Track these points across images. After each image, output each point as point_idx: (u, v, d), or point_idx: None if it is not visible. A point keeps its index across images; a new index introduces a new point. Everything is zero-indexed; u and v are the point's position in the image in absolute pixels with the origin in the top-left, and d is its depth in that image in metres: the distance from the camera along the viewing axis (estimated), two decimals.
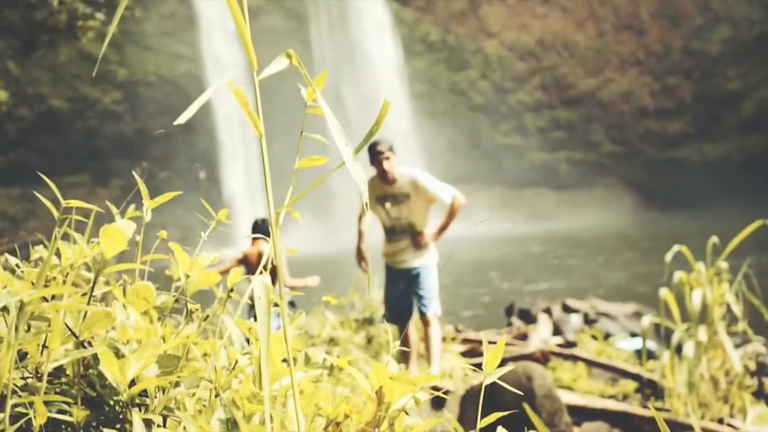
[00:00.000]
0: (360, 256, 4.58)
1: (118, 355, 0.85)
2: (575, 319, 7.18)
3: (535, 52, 31.41)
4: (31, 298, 0.75)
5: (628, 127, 31.04)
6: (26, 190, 24.65)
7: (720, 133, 29.67)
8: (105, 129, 26.34)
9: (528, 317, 7.77)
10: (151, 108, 26.98)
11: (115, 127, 26.44)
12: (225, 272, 4.26)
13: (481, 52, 31.28)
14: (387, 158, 4.34)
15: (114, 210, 1.23)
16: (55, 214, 1.19)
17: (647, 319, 4.94)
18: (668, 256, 4.86)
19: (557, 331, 7.01)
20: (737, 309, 4.64)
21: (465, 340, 6.20)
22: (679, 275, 4.72)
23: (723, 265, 4.63)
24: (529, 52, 31.43)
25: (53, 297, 0.96)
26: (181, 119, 0.77)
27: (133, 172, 1.17)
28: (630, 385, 5.38)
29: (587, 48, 31.25)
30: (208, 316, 1.13)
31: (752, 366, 4.81)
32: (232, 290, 1.09)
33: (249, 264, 5.46)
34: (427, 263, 4.48)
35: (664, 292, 4.59)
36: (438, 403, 4.30)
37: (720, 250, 4.69)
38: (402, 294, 4.51)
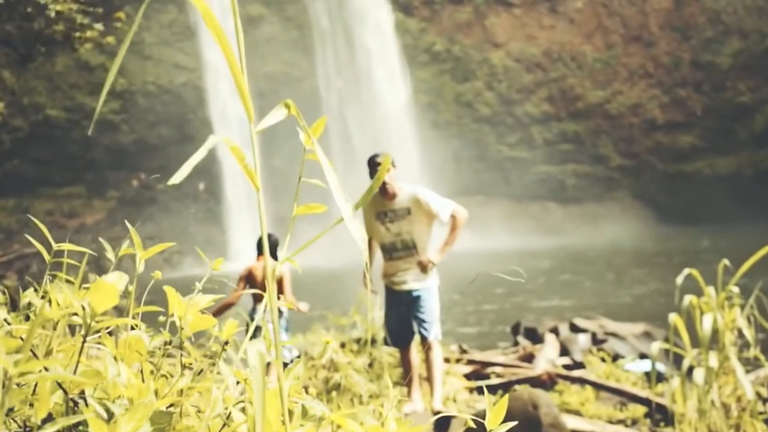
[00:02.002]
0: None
1: (109, 413, 0.84)
2: (583, 339, 7.06)
3: (542, 64, 31.31)
4: (16, 370, 0.74)
5: (637, 141, 30.80)
6: (21, 201, 24.40)
7: (731, 147, 29.38)
8: (102, 139, 25.97)
9: (534, 336, 7.65)
10: (150, 118, 26.77)
11: (113, 138, 26.05)
12: (233, 297, 4.21)
13: (487, 62, 31.19)
14: (387, 170, 4.32)
15: (109, 251, 1.24)
16: (47, 257, 1.20)
17: (656, 345, 4.83)
18: (679, 279, 4.75)
19: (564, 351, 6.90)
20: (749, 334, 4.53)
21: (470, 361, 6.10)
22: (688, 300, 4.62)
23: (734, 289, 4.53)
24: (536, 63, 31.34)
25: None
26: (176, 179, 0.76)
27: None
28: (639, 410, 5.25)
29: (595, 60, 31.13)
30: (202, 371, 1.13)
31: (764, 393, 4.70)
32: (227, 342, 1.10)
33: (254, 280, 5.45)
34: (428, 285, 4.39)
35: (673, 318, 4.49)
36: (441, 429, 4.21)
37: (732, 272, 4.59)
38: (402, 317, 4.43)
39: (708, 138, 29.90)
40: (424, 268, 4.31)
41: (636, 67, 30.99)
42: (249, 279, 5.53)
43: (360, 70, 28.50)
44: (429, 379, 4.44)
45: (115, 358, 0.94)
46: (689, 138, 30.28)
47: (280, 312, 5.66)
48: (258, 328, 5.44)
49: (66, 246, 1.15)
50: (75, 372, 0.87)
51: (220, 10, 25.04)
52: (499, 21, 31.35)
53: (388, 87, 28.24)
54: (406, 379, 4.52)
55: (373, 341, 5.03)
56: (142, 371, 1.04)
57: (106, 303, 0.88)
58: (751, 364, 5.22)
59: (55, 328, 0.96)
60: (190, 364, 1.09)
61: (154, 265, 1.17)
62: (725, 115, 29.64)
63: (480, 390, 5.34)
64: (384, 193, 4.33)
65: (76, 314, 1.00)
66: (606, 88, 31.00)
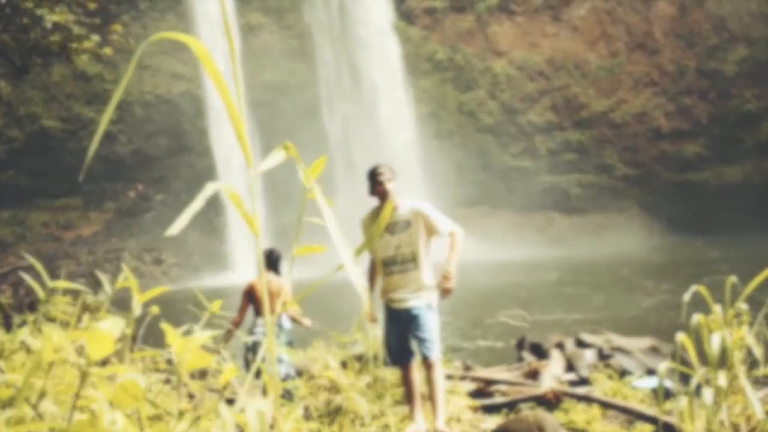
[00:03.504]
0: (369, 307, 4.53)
1: None
2: (589, 355, 6.97)
3: (545, 72, 31.24)
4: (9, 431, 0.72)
5: (642, 150, 30.62)
6: (16, 213, 24.18)
7: (737, 156, 29.15)
8: (99, 150, 25.38)
9: (540, 352, 7.57)
10: (148, 128, 26.56)
11: (110, 148, 25.75)
12: (237, 316, 4.18)
13: (490, 71, 31.11)
14: (388, 179, 4.30)
15: (105, 287, 1.28)
16: (40, 294, 1.22)
17: (664, 363, 4.74)
18: (686, 296, 4.66)
19: (570, 367, 6.80)
20: (759, 352, 4.44)
21: (474, 379, 6.00)
22: (696, 318, 4.53)
23: (743, 306, 4.44)
24: (539, 71, 31.26)
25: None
26: (174, 230, 0.73)
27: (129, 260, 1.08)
28: (647, 429, 5.15)
29: (599, 68, 31.04)
30: (199, 417, 1.10)
31: None
32: (225, 388, 1.15)
33: (255, 295, 5.42)
34: (427, 303, 4.35)
35: (681, 337, 4.40)
36: None
37: (741, 284, 4.50)
38: (402, 335, 4.38)
39: (714, 147, 29.70)
40: (446, 293, 4.31)
41: (640, 75, 30.87)
42: (251, 295, 5.50)
43: (366, 102, 28.19)
44: (431, 398, 4.37)
45: (110, 403, 0.95)
46: (695, 147, 30.08)
47: (283, 327, 5.57)
48: (256, 344, 5.37)
49: (60, 283, 1.24)
50: (71, 419, 0.85)
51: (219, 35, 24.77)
52: (501, 29, 31.34)
53: (395, 125, 27.82)
54: (407, 399, 4.44)
55: (375, 359, 4.96)
56: (139, 417, 1.02)
57: (102, 351, 0.87)
58: (760, 383, 5.12)
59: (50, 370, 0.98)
60: (187, 410, 1.07)
61: (153, 279, 1.14)
62: (731, 124, 29.44)
63: (485, 409, 5.24)
64: (384, 203, 4.35)
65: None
66: (610, 97, 30.88)
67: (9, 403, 0.83)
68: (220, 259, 24.30)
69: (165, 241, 24.08)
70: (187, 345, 1.05)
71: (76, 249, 23.94)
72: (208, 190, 0.67)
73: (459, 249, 4.33)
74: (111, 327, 0.94)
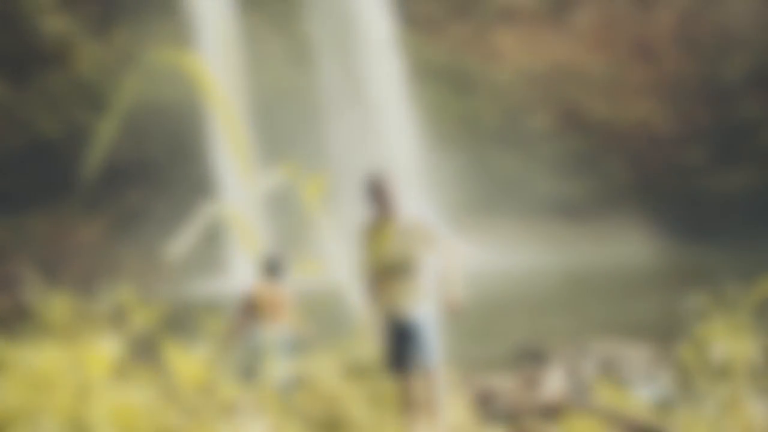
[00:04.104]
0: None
1: None
2: (590, 363, 6.95)
3: (547, 79, 31.31)
4: None
5: (645, 156, 30.60)
6: (15, 218, 24.06)
7: (740, 162, 29.12)
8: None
9: (541, 359, 7.54)
10: (148, 134, 26.59)
11: (110, 154, 25.75)
12: (239, 325, 4.17)
13: (491, 77, 31.20)
14: (390, 187, 4.36)
15: (103, 300, 1.28)
16: (39, 304, 1.23)
17: (666, 372, 4.72)
18: (688, 304, 4.65)
19: (571, 374, 6.78)
20: (762, 362, 4.42)
21: (474, 387, 5.98)
22: (698, 326, 4.51)
23: (745, 315, 4.42)
24: (541, 78, 31.34)
25: None
26: (175, 249, 0.72)
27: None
28: None
29: (601, 74, 31.14)
30: None
31: None
32: (224, 402, 1.15)
33: (255, 304, 5.40)
34: (425, 311, 4.34)
35: (683, 346, 4.38)
36: None
37: (744, 291, 4.47)
38: (401, 344, 4.36)
39: (717, 153, 29.66)
40: (453, 310, 4.31)
41: (642, 82, 30.92)
42: (251, 303, 5.48)
43: (366, 108, 28.17)
44: (430, 408, 4.34)
45: (110, 420, 0.94)
46: (698, 153, 30.05)
47: (283, 335, 5.55)
48: (255, 353, 5.35)
49: (59, 299, 1.25)
50: None
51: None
52: (502, 36, 31.43)
53: (395, 132, 27.84)
54: (406, 409, 4.42)
55: (375, 368, 4.94)
56: None
57: (102, 369, 0.89)
58: (763, 392, 5.08)
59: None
60: (187, 424, 1.06)
61: (154, 286, 1.14)
62: (735, 130, 29.43)
63: (485, 418, 5.22)
64: (385, 213, 4.35)
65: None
66: (612, 104, 30.92)
67: (8, 422, 0.81)
68: (220, 264, 24.28)
69: (165, 247, 23.95)
70: (186, 360, 1.04)
71: (76, 255, 23.90)
72: (206, 212, 0.66)
73: (457, 263, 4.32)
74: (110, 345, 0.93)
